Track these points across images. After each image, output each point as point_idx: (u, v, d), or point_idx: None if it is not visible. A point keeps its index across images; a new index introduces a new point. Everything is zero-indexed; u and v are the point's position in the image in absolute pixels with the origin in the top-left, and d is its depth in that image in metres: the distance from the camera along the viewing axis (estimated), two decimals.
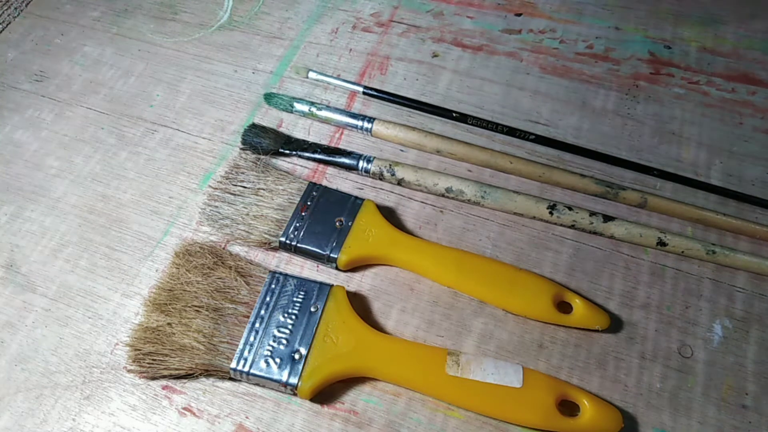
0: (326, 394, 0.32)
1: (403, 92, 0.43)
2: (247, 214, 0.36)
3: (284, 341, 0.31)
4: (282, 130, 0.42)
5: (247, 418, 0.31)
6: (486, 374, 0.29)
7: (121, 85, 0.46)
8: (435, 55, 0.46)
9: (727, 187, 0.38)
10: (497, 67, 0.45)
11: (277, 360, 0.30)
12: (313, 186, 0.37)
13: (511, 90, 0.44)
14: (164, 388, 0.32)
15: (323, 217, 0.36)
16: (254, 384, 0.31)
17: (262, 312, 0.32)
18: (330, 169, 0.40)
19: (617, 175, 0.39)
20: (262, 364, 0.30)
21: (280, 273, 0.33)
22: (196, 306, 0.32)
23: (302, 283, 0.33)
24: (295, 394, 0.31)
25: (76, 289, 0.36)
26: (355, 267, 0.36)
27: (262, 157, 0.39)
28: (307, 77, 0.45)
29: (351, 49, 0.47)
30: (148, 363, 0.31)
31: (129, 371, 0.32)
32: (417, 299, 0.35)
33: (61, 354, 0.34)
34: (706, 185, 0.38)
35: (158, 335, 0.31)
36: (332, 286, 0.33)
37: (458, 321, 0.34)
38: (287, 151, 0.40)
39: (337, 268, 0.35)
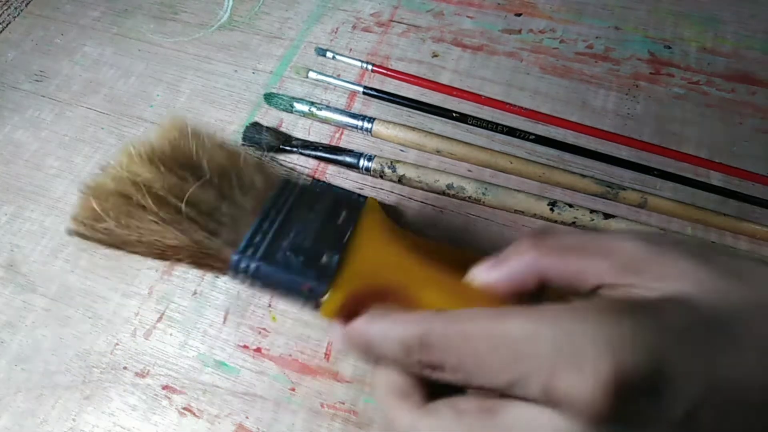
0: (326, 393, 0.32)
1: (403, 92, 0.43)
2: None
3: (308, 244, 0.24)
4: (282, 129, 0.42)
5: (247, 418, 0.31)
6: None
7: (122, 85, 0.46)
8: (435, 55, 0.46)
9: (727, 187, 0.38)
10: (497, 67, 0.45)
11: (300, 256, 0.23)
12: (316, 183, 0.37)
13: (511, 90, 0.44)
14: (164, 388, 0.32)
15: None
16: (260, 288, 0.24)
17: (277, 208, 0.25)
18: (330, 169, 0.40)
19: (617, 175, 0.39)
20: (278, 258, 0.23)
21: (299, 175, 0.27)
22: (196, 175, 0.24)
23: (330, 188, 0.28)
24: (316, 308, 0.24)
25: (76, 289, 0.36)
26: None
27: (266, 153, 0.40)
28: (307, 77, 0.45)
29: (351, 49, 0.47)
30: (109, 223, 0.22)
31: (72, 229, 0.23)
32: None
33: (61, 354, 0.34)
34: (706, 185, 0.38)
35: (137, 190, 0.23)
36: (367, 198, 0.28)
37: None
38: (288, 148, 0.40)
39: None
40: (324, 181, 0.27)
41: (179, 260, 0.24)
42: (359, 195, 0.27)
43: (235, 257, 0.23)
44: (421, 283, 0.24)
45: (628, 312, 0.18)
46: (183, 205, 0.23)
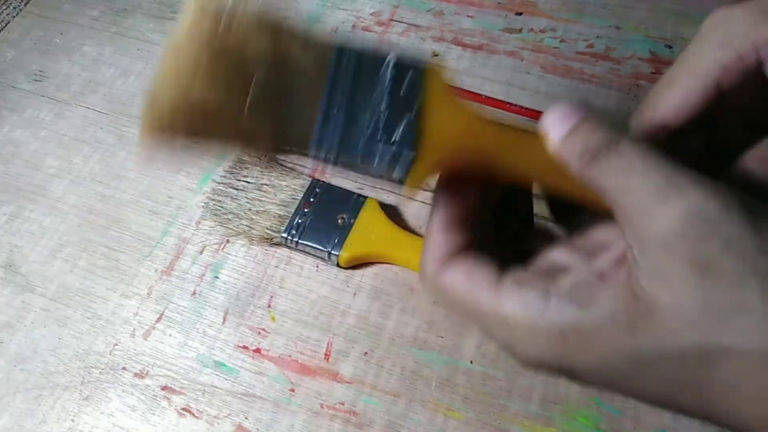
0: (326, 394, 0.31)
1: None
2: (250, 209, 0.37)
3: (379, 125, 0.23)
4: None
5: (246, 418, 0.31)
6: None
7: (121, 85, 0.46)
8: (435, 55, 0.46)
9: None
10: (497, 66, 0.45)
11: (377, 134, 0.22)
12: (316, 183, 0.37)
13: (511, 89, 0.44)
14: (163, 388, 0.32)
15: (326, 214, 0.36)
16: (343, 164, 0.23)
17: (338, 89, 0.23)
18: (330, 168, 0.40)
19: None
20: (358, 141, 0.22)
21: (354, 45, 0.24)
22: (256, 59, 0.23)
23: (385, 56, 0.24)
24: (400, 182, 0.23)
25: (75, 290, 0.36)
26: (357, 264, 0.35)
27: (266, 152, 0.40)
28: None
29: None
30: (181, 110, 0.21)
31: (148, 109, 0.21)
32: (417, 299, 0.34)
33: (60, 354, 0.34)
34: None
35: (207, 70, 0.22)
36: (428, 61, 0.24)
37: (458, 321, 0.34)
38: (288, 148, 0.40)
39: (338, 265, 0.35)
40: (381, 48, 0.24)
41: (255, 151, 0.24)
42: (417, 58, 0.24)
43: (312, 148, 0.23)
44: (509, 147, 0.22)
45: None
46: (248, 99, 0.22)
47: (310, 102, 0.23)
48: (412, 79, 0.24)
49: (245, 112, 0.22)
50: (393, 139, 0.23)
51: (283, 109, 0.23)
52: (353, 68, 0.24)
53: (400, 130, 0.23)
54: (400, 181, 0.23)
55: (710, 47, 0.20)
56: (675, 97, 0.21)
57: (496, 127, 0.23)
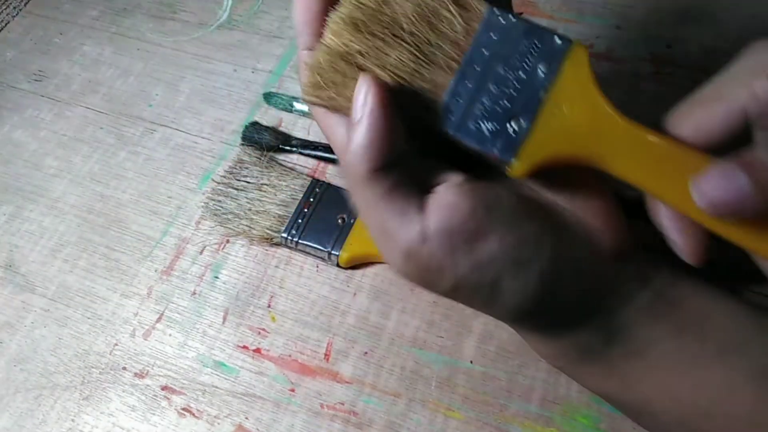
0: (326, 394, 0.31)
1: None
2: (250, 209, 0.37)
3: (501, 103, 0.23)
4: (282, 129, 0.42)
5: (246, 418, 0.31)
6: None
7: (120, 85, 0.46)
8: None
9: None
10: None
11: (491, 125, 0.23)
12: (316, 182, 0.37)
13: None
14: (163, 388, 0.32)
15: (325, 214, 0.36)
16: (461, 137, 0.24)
17: (477, 60, 0.23)
18: (330, 168, 0.40)
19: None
20: (471, 127, 0.23)
21: (504, 12, 0.24)
22: (395, 34, 0.24)
23: (533, 30, 0.24)
24: (505, 164, 0.23)
25: (75, 290, 0.36)
26: (357, 264, 0.35)
27: (266, 152, 0.39)
28: None
29: None
30: (329, 94, 0.24)
31: (304, 98, 0.25)
32: (417, 299, 0.34)
33: (60, 354, 0.34)
34: None
35: (347, 64, 0.24)
36: (573, 42, 0.23)
37: (458, 321, 0.34)
38: (288, 148, 0.40)
39: (338, 265, 0.35)
40: (527, 20, 0.24)
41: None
42: (564, 38, 0.23)
43: (445, 125, 0.23)
44: (623, 152, 0.22)
45: None
46: (389, 74, 0.23)
47: (445, 71, 0.23)
48: (552, 58, 0.23)
49: (392, 68, 0.23)
50: (504, 134, 0.23)
51: (420, 78, 0.23)
52: (498, 37, 0.23)
53: (513, 125, 0.22)
54: (505, 164, 0.22)
55: (742, 73, 0.20)
56: (697, 118, 0.21)
57: (628, 127, 0.22)
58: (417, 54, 0.24)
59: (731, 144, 0.20)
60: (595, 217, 0.23)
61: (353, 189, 0.22)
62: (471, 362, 0.32)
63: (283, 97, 0.43)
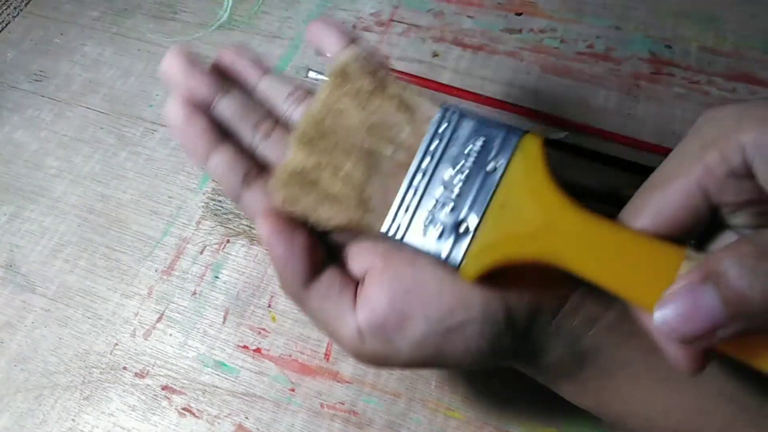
0: (326, 394, 0.31)
1: None
2: None
3: (449, 205, 0.22)
4: None
5: (246, 418, 0.31)
6: None
7: (121, 85, 0.46)
8: (435, 55, 0.46)
9: None
10: (497, 66, 0.45)
11: (438, 228, 0.22)
12: None
13: (511, 90, 0.44)
14: (164, 388, 0.32)
15: None
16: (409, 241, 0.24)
17: (425, 162, 0.23)
18: None
19: (618, 175, 0.39)
20: (419, 232, 0.22)
21: (455, 109, 0.24)
22: (347, 146, 0.24)
23: (482, 126, 0.23)
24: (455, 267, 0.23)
25: (75, 290, 0.36)
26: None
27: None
28: (307, 77, 0.45)
29: None
30: (299, 208, 0.24)
31: (276, 211, 0.24)
32: None
33: (60, 354, 0.34)
34: None
35: (307, 179, 0.24)
36: (523, 133, 0.23)
37: None
38: None
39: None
40: (476, 116, 0.23)
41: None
42: (514, 130, 0.23)
43: (383, 231, 0.23)
44: (579, 249, 0.20)
45: None
46: (339, 187, 0.24)
47: (395, 180, 0.23)
48: (501, 153, 0.22)
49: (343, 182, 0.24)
50: (452, 236, 0.22)
51: (367, 189, 0.23)
52: (447, 139, 0.23)
53: (461, 227, 0.22)
54: (455, 267, 0.22)
55: (693, 148, 0.19)
56: (654, 203, 0.19)
57: (583, 222, 0.20)
58: (367, 163, 0.24)
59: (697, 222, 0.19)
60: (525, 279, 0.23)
61: (294, 302, 0.24)
62: None
63: None
